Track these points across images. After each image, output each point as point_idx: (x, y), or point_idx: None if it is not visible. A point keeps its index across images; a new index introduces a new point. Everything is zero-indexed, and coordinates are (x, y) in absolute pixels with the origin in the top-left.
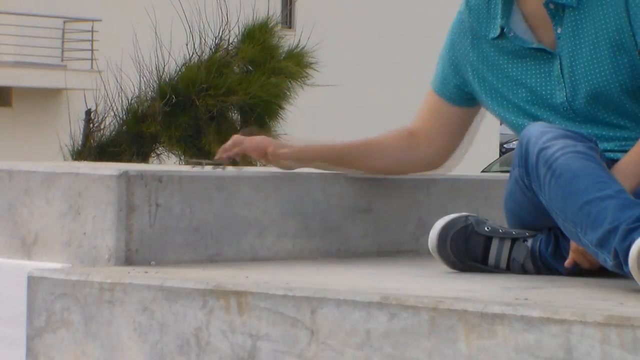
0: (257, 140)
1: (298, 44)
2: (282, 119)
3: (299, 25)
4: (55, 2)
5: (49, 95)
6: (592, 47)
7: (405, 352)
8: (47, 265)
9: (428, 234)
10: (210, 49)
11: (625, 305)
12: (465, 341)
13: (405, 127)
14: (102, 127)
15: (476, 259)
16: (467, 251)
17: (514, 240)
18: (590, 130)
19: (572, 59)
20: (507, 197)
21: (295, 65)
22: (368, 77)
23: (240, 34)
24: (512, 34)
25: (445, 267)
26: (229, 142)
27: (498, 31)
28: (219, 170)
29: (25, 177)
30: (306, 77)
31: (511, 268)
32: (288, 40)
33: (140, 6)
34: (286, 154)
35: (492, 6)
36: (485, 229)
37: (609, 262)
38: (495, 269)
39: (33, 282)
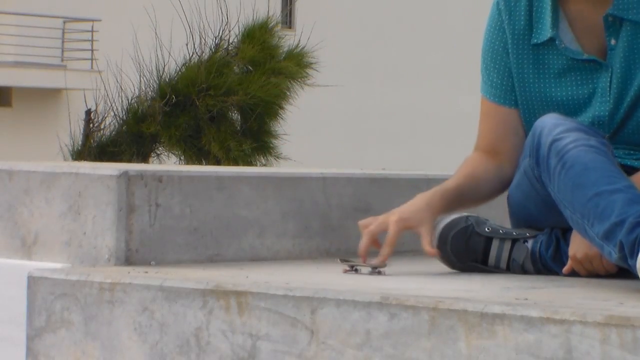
0: (384, 222)
1: (298, 44)
2: (282, 119)
3: (299, 25)
4: (55, 2)
5: (49, 95)
6: None
7: (405, 352)
8: (47, 265)
9: None
10: (210, 49)
11: (625, 305)
12: (465, 341)
13: (477, 154)
14: (102, 127)
15: (476, 260)
16: (467, 251)
17: (514, 241)
18: (620, 149)
19: (625, 72)
20: (514, 188)
21: (295, 66)
22: (368, 78)
23: (240, 34)
24: (563, 45)
25: (445, 267)
26: (366, 241)
27: (545, 38)
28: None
29: (25, 177)
30: (306, 77)
31: (511, 269)
32: (288, 40)
33: (140, 6)
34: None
35: (535, 10)
36: (486, 229)
37: (613, 255)
38: (495, 269)
39: (33, 282)
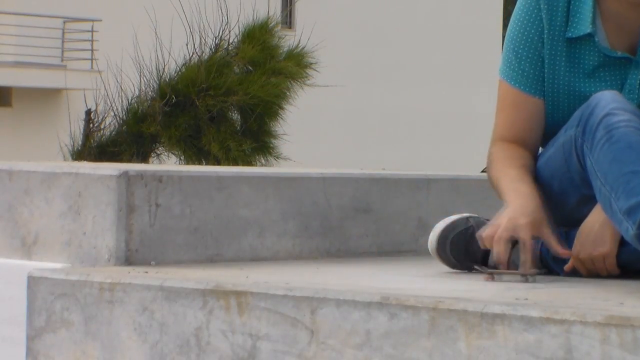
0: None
1: (298, 44)
2: (282, 119)
3: (299, 25)
4: (55, 2)
5: (49, 95)
6: None
7: (405, 352)
8: (47, 265)
9: (428, 234)
10: (211, 49)
11: (625, 305)
12: (465, 341)
13: (510, 142)
14: (102, 127)
15: (476, 261)
16: (467, 253)
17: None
18: None
19: None
20: (542, 164)
21: (295, 66)
22: (368, 78)
23: (240, 34)
24: (598, 40)
25: (445, 268)
26: (504, 249)
27: (582, 33)
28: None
29: (25, 177)
30: (306, 77)
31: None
32: (288, 40)
33: (141, 6)
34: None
35: (572, 4)
36: None
37: (630, 232)
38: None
39: (33, 282)
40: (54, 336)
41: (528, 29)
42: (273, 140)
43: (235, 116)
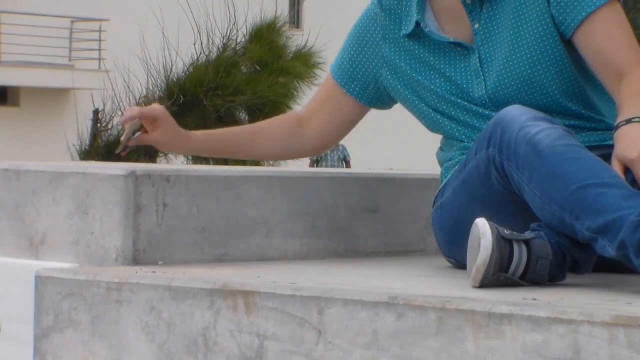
0: (150, 112)
1: (306, 44)
2: None
3: (307, 25)
4: (63, 2)
5: (56, 95)
6: (512, 41)
7: (412, 352)
8: (55, 264)
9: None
10: (218, 48)
11: (633, 305)
12: (473, 341)
13: (294, 114)
14: (109, 126)
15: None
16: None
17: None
18: None
19: (491, 53)
20: (455, 191)
21: (303, 65)
22: None
23: (247, 33)
24: (428, 28)
25: (452, 267)
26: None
27: (412, 26)
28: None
29: (33, 176)
30: (314, 77)
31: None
32: (296, 40)
33: (148, 6)
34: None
35: (404, 5)
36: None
37: (609, 251)
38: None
39: (40, 281)
40: (61, 336)
41: (363, 32)
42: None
43: (243, 116)
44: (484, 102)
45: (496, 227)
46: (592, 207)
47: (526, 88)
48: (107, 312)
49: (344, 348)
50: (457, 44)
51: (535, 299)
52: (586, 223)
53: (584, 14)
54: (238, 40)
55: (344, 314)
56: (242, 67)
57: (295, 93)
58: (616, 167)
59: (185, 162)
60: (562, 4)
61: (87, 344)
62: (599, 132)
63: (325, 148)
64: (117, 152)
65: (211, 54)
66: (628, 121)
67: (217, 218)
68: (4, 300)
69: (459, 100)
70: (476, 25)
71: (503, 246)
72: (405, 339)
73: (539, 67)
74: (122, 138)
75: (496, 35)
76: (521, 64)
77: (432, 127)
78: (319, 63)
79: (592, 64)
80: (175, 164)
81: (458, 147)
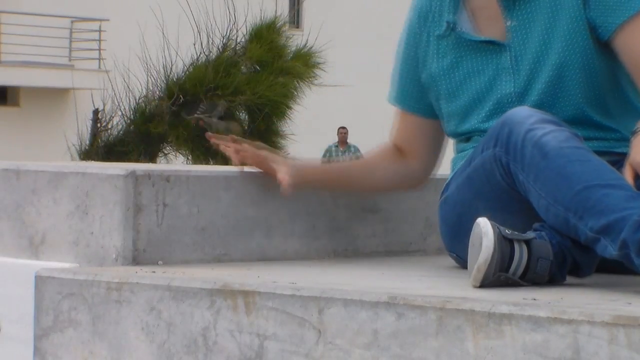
0: (259, 155)
1: (306, 44)
2: (289, 119)
3: (307, 25)
4: (63, 2)
5: (56, 95)
6: (544, 40)
7: (412, 352)
8: (55, 264)
9: (436, 233)
10: (218, 48)
11: (633, 305)
12: (473, 341)
13: (391, 144)
14: (109, 126)
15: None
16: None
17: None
18: None
19: (524, 51)
20: (460, 187)
21: (303, 65)
22: (375, 78)
23: (247, 33)
24: (460, 28)
25: (452, 267)
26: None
27: (444, 27)
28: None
29: (33, 176)
30: (314, 77)
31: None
32: (296, 40)
33: (148, 6)
34: (288, 177)
35: (437, 7)
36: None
37: (611, 251)
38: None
39: (40, 281)
40: (61, 336)
41: (405, 49)
42: (281, 140)
43: (243, 116)
44: (511, 99)
45: (498, 227)
46: (596, 208)
47: (551, 88)
48: (107, 312)
49: (344, 348)
50: (490, 42)
51: (535, 299)
52: (589, 223)
53: (626, 15)
54: (238, 40)
55: (344, 314)
56: (242, 67)
57: (295, 93)
58: (628, 172)
59: (186, 162)
60: (601, 6)
61: (87, 344)
62: (611, 141)
63: (430, 173)
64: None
65: (211, 54)
66: None
67: (217, 218)
68: (4, 300)
69: (487, 98)
70: (510, 23)
71: (504, 246)
72: (405, 339)
73: (565, 68)
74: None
75: (529, 32)
76: (549, 63)
77: (458, 124)
78: (319, 63)
79: (630, 67)
80: (175, 164)
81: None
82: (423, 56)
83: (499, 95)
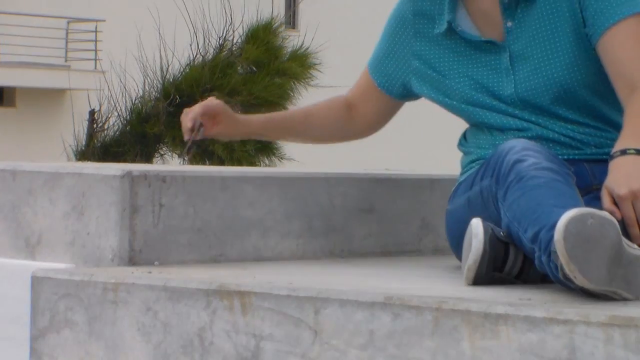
0: (208, 106)
1: (302, 45)
2: None
3: (303, 26)
4: (59, 2)
5: (52, 96)
6: (549, 41)
7: (408, 352)
8: (51, 265)
9: (432, 234)
10: (214, 49)
11: (628, 305)
12: (469, 341)
13: (342, 98)
14: (105, 127)
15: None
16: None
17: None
18: (543, 123)
19: (523, 52)
20: (462, 206)
21: (299, 66)
22: None
23: (244, 34)
24: (459, 28)
25: (448, 267)
26: (190, 123)
27: (445, 26)
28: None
29: (29, 177)
30: (310, 78)
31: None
32: (292, 41)
33: (144, 6)
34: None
35: (437, 5)
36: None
37: (538, 256)
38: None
39: (37, 282)
40: (57, 336)
41: (392, 29)
42: (277, 141)
43: None
44: (512, 100)
45: (492, 228)
46: (538, 219)
47: (555, 91)
48: (104, 313)
49: (340, 348)
50: (489, 42)
51: (531, 299)
52: (527, 234)
53: (610, 22)
54: (234, 41)
55: (340, 315)
56: (239, 68)
57: (292, 94)
58: (606, 198)
59: (182, 163)
60: (591, 10)
61: (83, 345)
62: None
63: (373, 131)
64: (183, 153)
65: (207, 54)
66: (623, 152)
67: (214, 218)
68: (0, 301)
69: (487, 99)
70: (509, 24)
71: (498, 246)
72: (401, 339)
73: (572, 72)
74: (185, 137)
75: (529, 34)
76: (555, 67)
77: (462, 115)
78: (315, 64)
79: (609, 74)
80: (172, 164)
81: (479, 144)
82: (407, 42)
83: (497, 96)
